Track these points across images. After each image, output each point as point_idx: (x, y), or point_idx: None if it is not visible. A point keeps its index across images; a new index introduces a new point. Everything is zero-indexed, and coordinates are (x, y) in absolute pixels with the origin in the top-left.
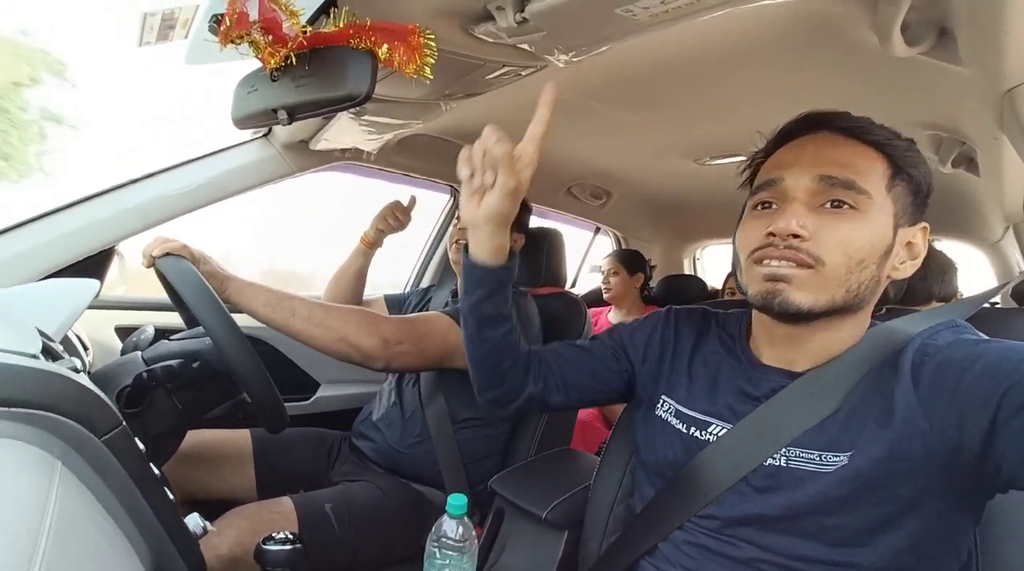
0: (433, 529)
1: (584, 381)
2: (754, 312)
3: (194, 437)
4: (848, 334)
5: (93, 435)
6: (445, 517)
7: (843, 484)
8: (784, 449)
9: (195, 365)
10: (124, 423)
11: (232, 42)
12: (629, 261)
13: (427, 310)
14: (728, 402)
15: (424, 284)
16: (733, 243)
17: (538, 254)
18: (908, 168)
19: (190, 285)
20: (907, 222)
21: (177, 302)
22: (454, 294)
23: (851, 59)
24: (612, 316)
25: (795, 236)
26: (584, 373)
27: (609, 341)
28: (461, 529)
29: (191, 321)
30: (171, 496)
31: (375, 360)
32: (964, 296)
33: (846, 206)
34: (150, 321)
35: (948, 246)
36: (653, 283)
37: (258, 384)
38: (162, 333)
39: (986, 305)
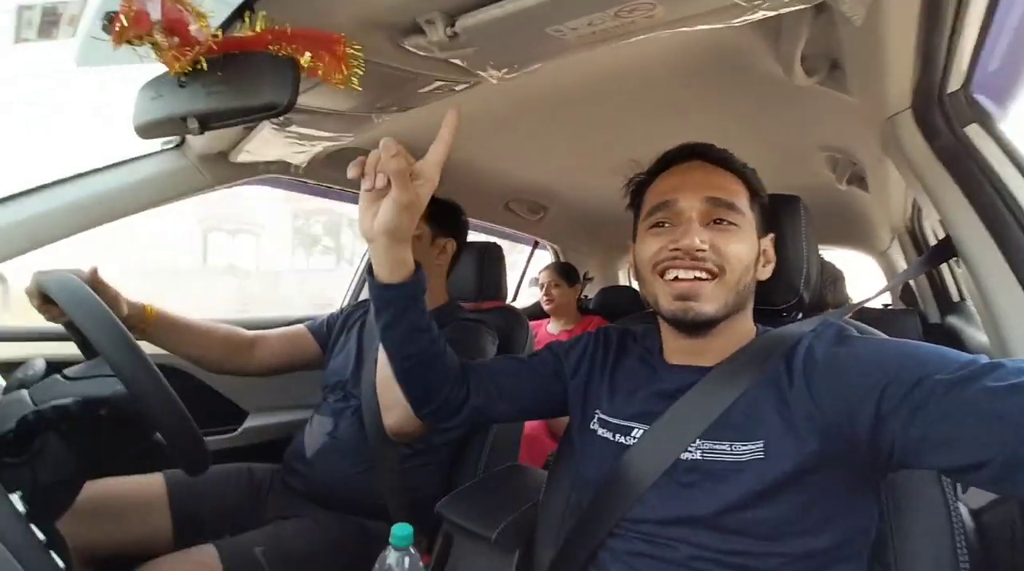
0: (377, 563)
1: (528, 393)
2: (661, 323)
3: (95, 486)
4: (740, 329)
5: None
6: (390, 549)
7: (763, 480)
8: (698, 442)
9: (102, 413)
10: None
11: (129, 42)
12: (567, 273)
13: (365, 325)
14: (646, 405)
15: (363, 297)
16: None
17: (478, 269)
18: (760, 191)
19: (81, 305)
20: (762, 234)
21: (70, 328)
22: None
23: (758, 85)
24: (551, 327)
25: (700, 250)
26: (527, 385)
27: (550, 357)
28: (407, 561)
29: (88, 350)
30: (60, 563)
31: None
32: (853, 300)
33: (726, 223)
34: (40, 353)
35: (843, 254)
36: (591, 294)
37: (173, 422)
38: (55, 367)
39: (879, 306)
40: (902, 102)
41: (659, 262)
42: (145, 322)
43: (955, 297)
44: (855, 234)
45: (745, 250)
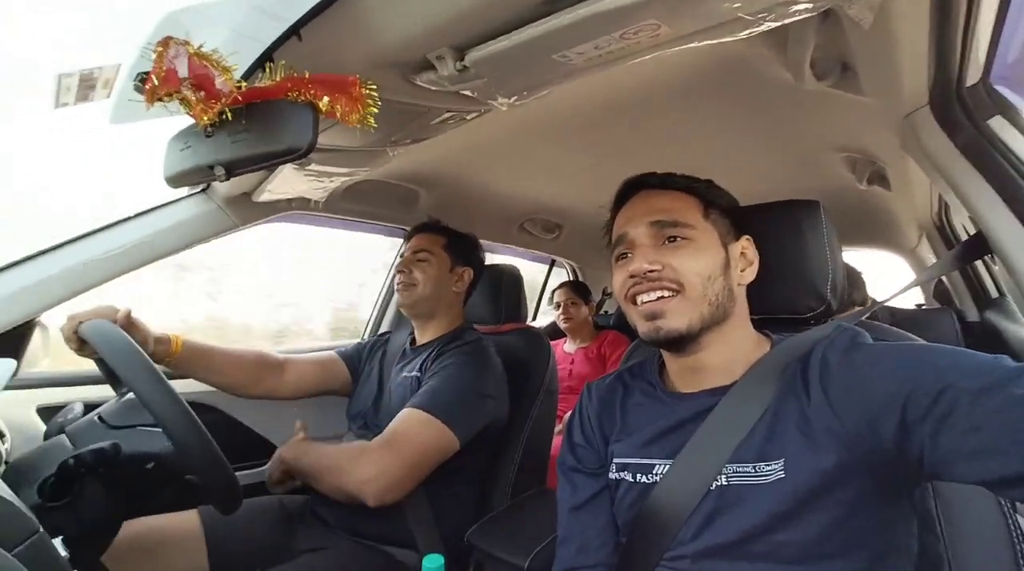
0: None
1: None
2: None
3: (133, 525)
4: (738, 339)
5: (2, 549)
6: None
7: (786, 499)
8: (726, 467)
9: (149, 467)
10: (40, 529)
11: (160, 100)
12: (583, 291)
13: (386, 355)
14: (664, 440)
15: (383, 329)
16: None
17: (496, 291)
18: (715, 200)
19: (114, 347)
20: (732, 239)
21: (100, 364)
22: (412, 341)
23: (769, 93)
24: (568, 346)
25: (651, 271)
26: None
27: (582, 464)
28: None
29: (117, 385)
30: None
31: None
32: (875, 299)
33: (679, 239)
34: (79, 397)
35: (870, 255)
36: (611, 310)
37: (207, 462)
38: (92, 408)
39: (912, 307)
40: (919, 99)
41: (627, 291)
42: (172, 355)
43: (993, 293)
44: (881, 234)
45: (703, 262)
